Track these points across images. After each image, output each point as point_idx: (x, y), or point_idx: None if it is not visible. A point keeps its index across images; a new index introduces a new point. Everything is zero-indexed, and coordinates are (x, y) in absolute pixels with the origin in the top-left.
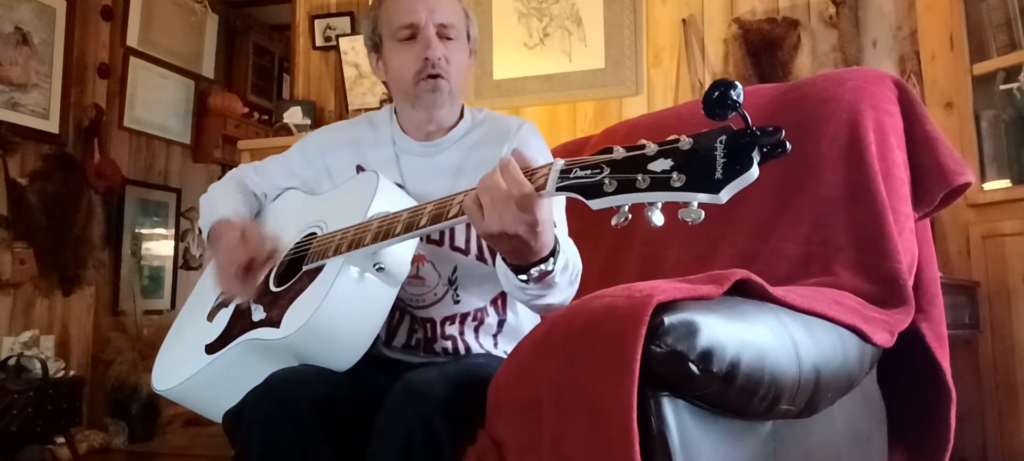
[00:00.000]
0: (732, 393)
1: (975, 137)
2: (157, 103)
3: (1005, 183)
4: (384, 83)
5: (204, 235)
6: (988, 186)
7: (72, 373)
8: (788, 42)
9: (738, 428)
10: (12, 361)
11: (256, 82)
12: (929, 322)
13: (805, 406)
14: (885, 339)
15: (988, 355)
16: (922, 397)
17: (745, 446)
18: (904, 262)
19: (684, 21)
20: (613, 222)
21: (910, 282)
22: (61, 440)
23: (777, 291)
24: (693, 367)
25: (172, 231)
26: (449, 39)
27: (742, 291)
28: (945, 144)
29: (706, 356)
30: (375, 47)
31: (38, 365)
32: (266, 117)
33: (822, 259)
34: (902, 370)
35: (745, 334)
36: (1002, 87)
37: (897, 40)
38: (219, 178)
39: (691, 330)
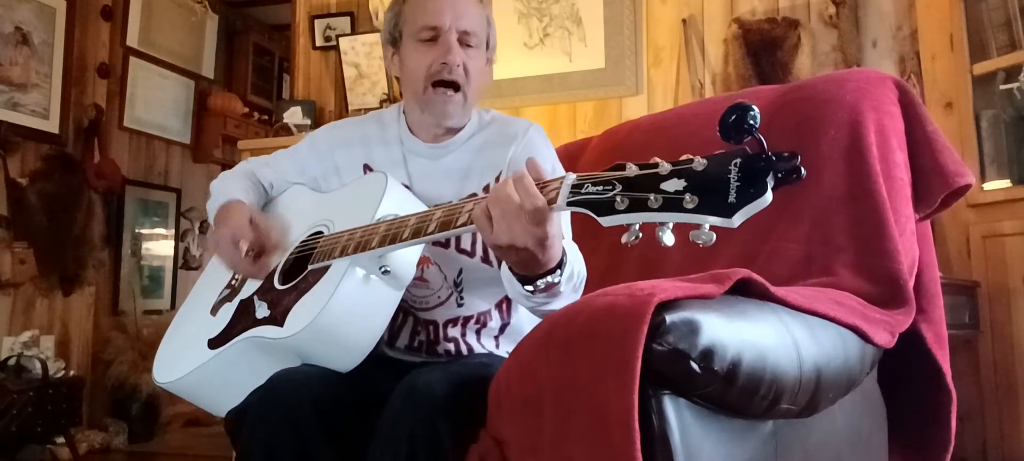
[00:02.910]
0: (733, 392)
1: (975, 137)
2: (157, 103)
3: (1005, 183)
4: (396, 79)
5: (210, 218)
6: (988, 186)
7: (72, 373)
8: (788, 42)
9: (739, 427)
10: (12, 361)
11: (256, 82)
12: (929, 323)
13: (806, 406)
14: (886, 339)
15: (988, 355)
16: (922, 398)
17: (746, 445)
18: (905, 263)
19: (684, 21)
20: (623, 239)
21: (911, 283)
22: (61, 440)
23: (778, 291)
24: (694, 366)
25: (172, 231)
26: (470, 47)
27: (743, 291)
28: (946, 145)
29: (707, 355)
30: (393, 42)
31: (38, 365)
32: (266, 117)
33: (823, 259)
34: (902, 371)
35: (746, 333)
36: (1002, 87)
37: (897, 40)
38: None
39: (693, 329)
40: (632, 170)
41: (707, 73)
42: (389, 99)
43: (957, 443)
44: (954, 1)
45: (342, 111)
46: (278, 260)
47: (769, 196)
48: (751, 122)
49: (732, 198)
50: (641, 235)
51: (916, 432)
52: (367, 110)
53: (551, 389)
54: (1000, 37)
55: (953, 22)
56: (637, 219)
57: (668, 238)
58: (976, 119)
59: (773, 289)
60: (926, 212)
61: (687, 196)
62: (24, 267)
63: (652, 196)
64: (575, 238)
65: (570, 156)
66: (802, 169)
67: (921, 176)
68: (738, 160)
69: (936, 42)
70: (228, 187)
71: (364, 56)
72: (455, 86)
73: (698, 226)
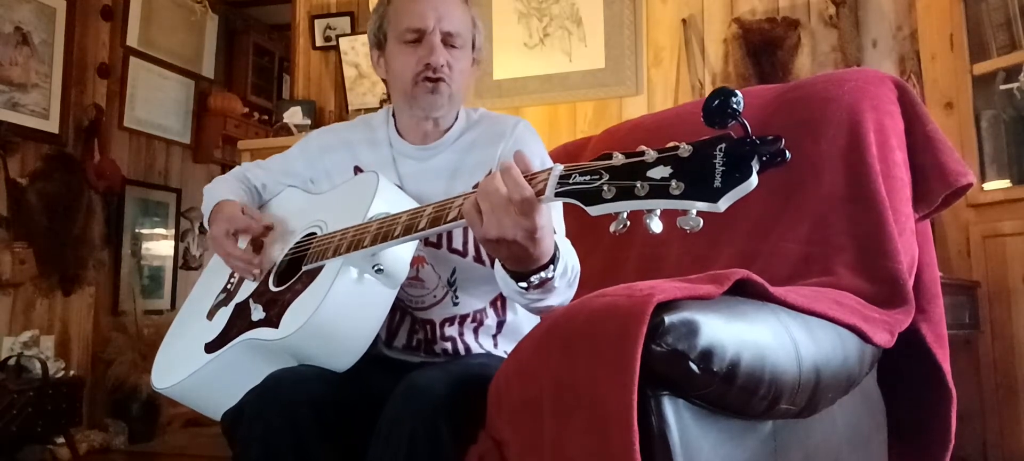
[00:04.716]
0: (732, 392)
1: (975, 137)
2: (157, 103)
3: (1005, 183)
4: (384, 80)
5: (205, 219)
6: (988, 186)
7: (72, 373)
8: (788, 42)
9: (738, 428)
10: (12, 361)
11: (256, 82)
12: (929, 322)
13: (805, 406)
14: (885, 339)
15: (988, 355)
16: (922, 397)
17: (745, 446)
18: (904, 262)
19: (684, 21)
20: (611, 229)
21: (910, 282)
22: (61, 440)
23: (777, 291)
24: (693, 366)
25: (172, 231)
26: (454, 47)
27: (742, 291)
28: (946, 145)
29: (706, 355)
30: (378, 44)
31: (38, 365)
32: (266, 117)
33: (822, 259)
34: (902, 370)
35: (745, 334)
36: (1002, 87)
37: (897, 40)
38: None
39: (691, 329)
40: (619, 159)
41: (707, 73)
42: (389, 99)
43: (957, 443)
44: (954, 1)
45: (342, 111)
46: (277, 252)
47: (754, 179)
48: (734, 106)
49: (718, 183)
50: (629, 223)
51: (916, 432)
52: (367, 110)
53: (550, 389)
54: (1000, 37)
55: (953, 22)
56: (624, 207)
57: (656, 225)
58: (976, 119)
59: (772, 289)
60: (926, 211)
61: (673, 182)
62: (24, 267)
63: (639, 184)
64: (572, 237)
65: (570, 155)
66: (787, 152)
67: (921, 175)
68: (723, 145)
69: (936, 42)
70: (218, 190)
71: (364, 56)
72: (440, 80)
73: (685, 212)
